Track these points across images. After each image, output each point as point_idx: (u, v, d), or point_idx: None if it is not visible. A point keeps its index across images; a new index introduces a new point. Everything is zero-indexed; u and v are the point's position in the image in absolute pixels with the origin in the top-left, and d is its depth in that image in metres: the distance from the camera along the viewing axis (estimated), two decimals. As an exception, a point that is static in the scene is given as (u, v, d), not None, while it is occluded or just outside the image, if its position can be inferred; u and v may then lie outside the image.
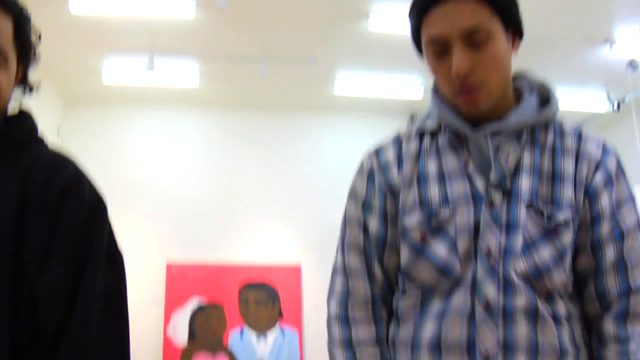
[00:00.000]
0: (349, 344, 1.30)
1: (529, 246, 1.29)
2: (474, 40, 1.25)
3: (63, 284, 1.18)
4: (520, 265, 1.27)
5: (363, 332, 1.32)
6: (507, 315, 1.22)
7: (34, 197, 1.24)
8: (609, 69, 6.36)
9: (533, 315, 1.24)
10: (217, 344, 7.81)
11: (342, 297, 1.37)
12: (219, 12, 4.84)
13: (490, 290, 1.24)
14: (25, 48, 1.39)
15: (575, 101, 7.17)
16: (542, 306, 1.25)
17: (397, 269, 1.40)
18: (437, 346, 1.24)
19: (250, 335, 7.86)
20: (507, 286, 1.24)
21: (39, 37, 1.45)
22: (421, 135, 1.43)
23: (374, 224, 1.39)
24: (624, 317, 1.28)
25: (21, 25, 1.36)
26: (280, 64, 6.24)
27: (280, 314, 7.99)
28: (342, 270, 1.41)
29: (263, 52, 6.08)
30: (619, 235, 1.32)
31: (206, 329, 7.83)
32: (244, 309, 7.92)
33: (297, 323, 7.91)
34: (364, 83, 6.89)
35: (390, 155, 1.43)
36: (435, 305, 1.29)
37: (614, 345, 1.26)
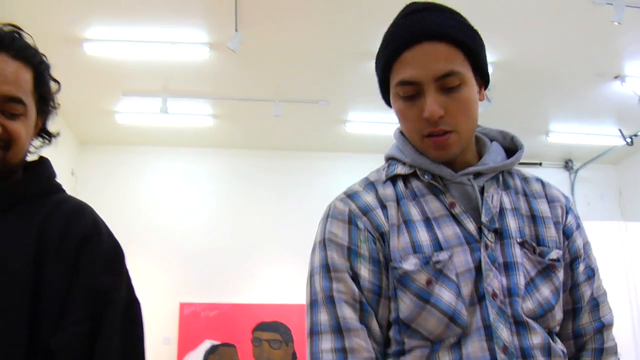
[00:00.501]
0: None
1: (529, 285, 1.28)
2: (447, 84, 1.24)
3: (81, 336, 1.17)
4: (527, 304, 1.26)
5: None
6: (527, 356, 1.20)
7: (53, 246, 1.23)
8: (621, 104, 6.36)
9: (547, 352, 1.24)
10: None
11: None
12: (231, 54, 4.90)
13: (505, 333, 1.21)
14: (44, 98, 1.40)
15: (589, 136, 7.17)
16: (552, 343, 1.26)
17: (388, 324, 1.30)
18: None
19: None
20: (519, 327, 1.23)
21: (59, 86, 1.46)
22: (392, 180, 1.38)
23: (365, 273, 1.27)
24: (600, 353, 1.34)
25: (41, 75, 1.37)
26: (292, 105, 6.29)
27: (295, 356, 7.86)
28: (336, 329, 1.22)
29: (275, 94, 6.15)
30: (592, 275, 1.39)
31: None
32: (258, 349, 7.84)
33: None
34: (374, 122, 6.93)
35: (369, 198, 1.36)
36: (447, 358, 1.22)
37: None
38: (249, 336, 7.94)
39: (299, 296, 7.36)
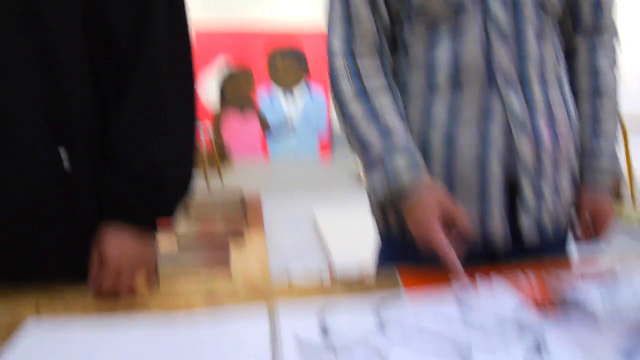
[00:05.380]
0: (356, 75, 1.14)
1: None
2: None
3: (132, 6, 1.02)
4: None
5: (369, 64, 1.14)
6: (520, 35, 1.12)
7: None
8: None
9: (540, 35, 1.15)
10: (247, 103, 8.24)
11: (345, 31, 1.16)
12: None
13: (501, 13, 1.11)
14: None
15: None
16: (546, 26, 1.16)
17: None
18: (455, 66, 1.11)
19: (279, 94, 8.33)
20: (515, 8, 1.12)
21: None
22: None
23: None
24: (597, 30, 1.26)
25: None
26: None
27: (308, 82, 8.39)
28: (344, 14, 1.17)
29: None
30: None
31: (236, 90, 8.23)
32: (274, 73, 8.32)
33: (325, 88, 8.10)
34: None
35: None
36: (446, 32, 1.13)
37: (584, 53, 1.25)
38: (265, 61, 8.29)
39: (316, 22, 7.61)
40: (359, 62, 1.13)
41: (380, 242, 1.27)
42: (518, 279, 0.99)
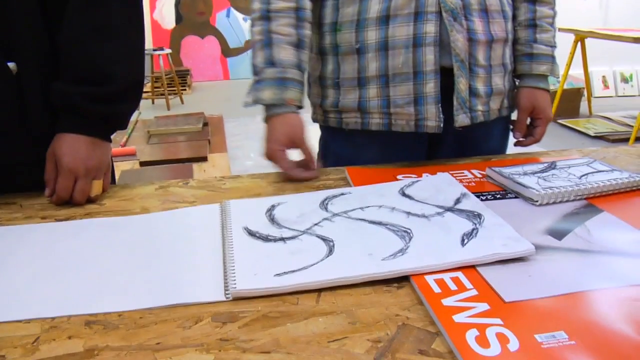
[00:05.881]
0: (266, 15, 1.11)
1: None
2: None
3: None
4: None
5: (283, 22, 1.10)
6: None
7: None
8: None
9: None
10: (205, 26, 8.07)
11: None
12: None
13: None
14: None
15: None
16: None
17: None
18: None
19: (237, 16, 8.11)
20: None
21: None
22: None
23: None
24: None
25: None
26: None
27: None
28: None
29: None
30: None
31: (193, 11, 8.02)
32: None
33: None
34: None
35: None
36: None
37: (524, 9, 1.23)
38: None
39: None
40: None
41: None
42: (459, 171, 1.04)
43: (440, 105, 1.10)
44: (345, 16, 1.13)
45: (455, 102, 1.12)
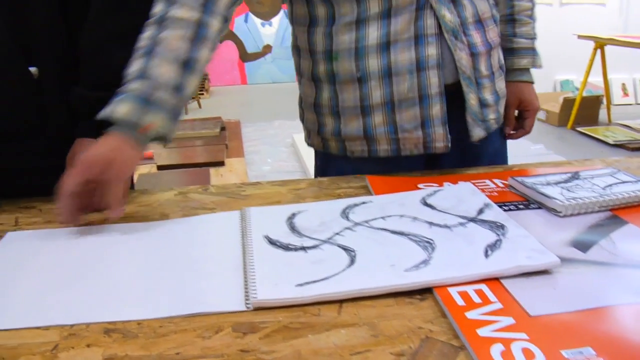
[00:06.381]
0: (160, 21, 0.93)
1: None
2: None
3: None
4: None
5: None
6: None
7: None
8: None
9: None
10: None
11: None
12: None
13: None
14: None
15: None
16: None
17: None
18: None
19: (255, 21, 8.10)
20: None
21: None
22: None
23: None
24: None
25: None
26: None
27: None
28: None
29: None
30: None
31: None
32: (252, 5, 8.00)
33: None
34: None
35: None
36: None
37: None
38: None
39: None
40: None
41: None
42: (480, 180, 1.02)
43: (447, 125, 1.09)
44: (342, 44, 1.08)
45: (468, 119, 1.12)
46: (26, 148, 1.02)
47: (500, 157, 1.29)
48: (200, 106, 6.90)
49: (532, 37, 1.27)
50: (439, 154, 1.14)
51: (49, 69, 1.01)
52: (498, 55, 1.19)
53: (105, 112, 0.88)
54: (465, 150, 1.18)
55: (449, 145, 1.10)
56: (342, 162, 1.18)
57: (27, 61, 1.00)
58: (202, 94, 7.56)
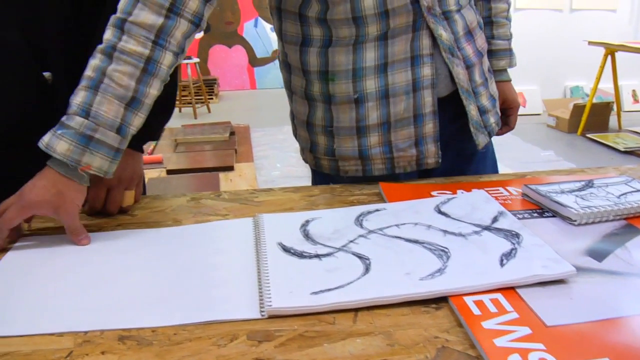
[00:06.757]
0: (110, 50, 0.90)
1: None
2: None
3: None
4: None
5: (144, 23, 0.90)
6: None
7: None
8: None
9: None
10: (232, 36, 8.09)
11: None
12: None
13: None
14: None
15: None
16: None
17: None
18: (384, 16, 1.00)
19: (265, 26, 8.14)
20: None
21: None
22: None
23: None
24: None
25: None
26: None
27: None
28: None
29: None
30: None
31: (221, 21, 8.04)
32: (261, 10, 8.04)
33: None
34: None
35: None
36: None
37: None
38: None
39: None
40: (134, 14, 0.90)
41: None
42: (494, 188, 1.02)
43: (439, 143, 1.11)
44: (338, 66, 1.06)
45: (471, 128, 1.14)
46: (36, 153, 1.02)
47: (489, 156, 1.30)
48: (209, 111, 6.92)
49: (509, 38, 1.32)
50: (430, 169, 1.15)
51: (61, 74, 1.02)
52: (486, 60, 1.21)
53: (44, 142, 0.86)
54: (456, 154, 1.20)
55: (440, 160, 1.12)
56: (335, 180, 1.18)
57: (41, 66, 1.00)
58: (212, 98, 7.58)
